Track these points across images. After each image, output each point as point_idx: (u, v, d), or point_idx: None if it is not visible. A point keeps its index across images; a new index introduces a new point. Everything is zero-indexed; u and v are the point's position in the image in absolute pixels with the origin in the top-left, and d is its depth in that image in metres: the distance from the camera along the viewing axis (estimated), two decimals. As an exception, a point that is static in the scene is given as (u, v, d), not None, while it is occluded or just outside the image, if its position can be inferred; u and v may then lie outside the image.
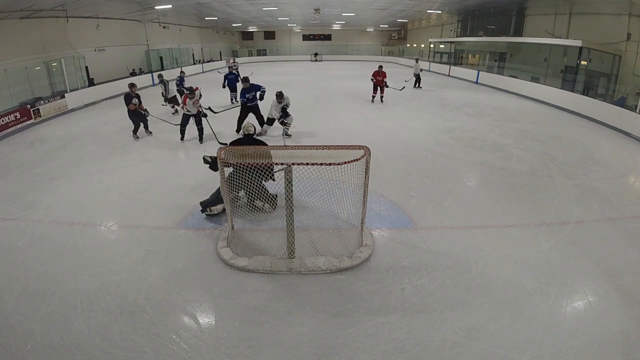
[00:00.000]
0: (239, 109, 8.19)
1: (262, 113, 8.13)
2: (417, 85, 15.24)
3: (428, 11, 21.69)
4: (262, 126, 8.09)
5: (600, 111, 9.89)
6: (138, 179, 5.76)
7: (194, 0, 16.90)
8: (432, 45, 25.97)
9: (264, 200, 4.33)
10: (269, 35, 35.34)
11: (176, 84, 10.85)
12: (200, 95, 7.64)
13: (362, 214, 3.97)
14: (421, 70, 15.57)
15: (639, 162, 6.83)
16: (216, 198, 4.43)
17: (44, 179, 5.86)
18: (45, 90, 12.12)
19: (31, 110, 9.64)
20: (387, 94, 11.93)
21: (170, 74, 13.92)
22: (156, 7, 16.53)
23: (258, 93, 7.97)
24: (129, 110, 7.64)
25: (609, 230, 4.32)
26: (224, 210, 4.43)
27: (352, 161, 3.27)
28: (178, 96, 10.32)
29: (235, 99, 11.22)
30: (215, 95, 11.55)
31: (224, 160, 3.49)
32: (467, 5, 18.41)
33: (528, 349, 2.64)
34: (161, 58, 19.71)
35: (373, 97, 11.98)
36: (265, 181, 3.92)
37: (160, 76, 10.66)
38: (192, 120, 7.51)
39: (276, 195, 4.54)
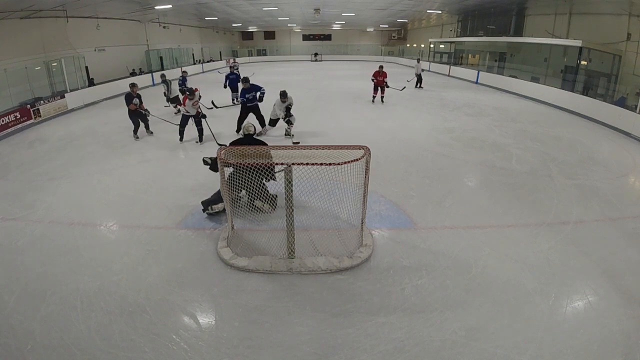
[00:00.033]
0: (239, 108, 8.19)
1: (262, 113, 8.13)
2: (418, 86, 15.25)
3: (428, 11, 21.70)
4: (262, 126, 8.08)
5: (600, 111, 9.89)
6: (138, 179, 5.76)
7: (194, 0, 16.91)
8: (432, 45, 25.97)
9: (263, 200, 4.33)
10: (269, 35, 35.34)
11: (179, 84, 10.93)
12: (200, 96, 7.65)
13: (362, 214, 3.97)
14: (422, 70, 15.58)
15: (639, 162, 6.83)
16: (218, 197, 4.43)
17: (44, 179, 5.87)
18: (45, 90, 12.13)
19: (31, 110, 9.64)
20: (387, 94, 11.92)
21: (171, 74, 13.90)
22: (156, 7, 16.53)
23: (258, 94, 7.97)
24: (129, 110, 7.65)
25: (609, 230, 4.32)
26: (224, 209, 4.43)
27: (352, 161, 3.27)
28: (181, 96, 10.34)
29: (237, 99, 11.25)
30: (215, 96, 11.52)
31: (224, 160, 3.49)
32: (467, 5, 18.41)
33: (528, 349, 2.64)
34: (161, 58, 19.72)
35: (374, 97, 11.94)
36: (266, 181, 3.93)
37: (162, 76, 10.74)
38: (191, 121, 7.51)
39: (276, 196, 4.54)
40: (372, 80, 11.67)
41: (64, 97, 11.15)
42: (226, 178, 3.71)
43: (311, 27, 33.48)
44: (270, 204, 4.47)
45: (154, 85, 16.59)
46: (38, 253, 3.82)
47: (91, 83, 13.74)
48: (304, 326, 2.87)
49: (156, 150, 7.21)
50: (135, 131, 7.91)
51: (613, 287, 3.29)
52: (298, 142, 7.43)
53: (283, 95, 7.45)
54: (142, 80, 15.55)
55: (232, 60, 23.04)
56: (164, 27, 21.05)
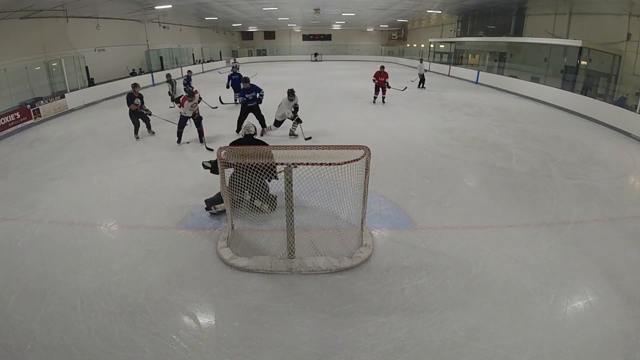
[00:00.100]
0: (239, 108, 8.19)
1: (262, 114, 8.11)
2: (421, 86, 15.23)
3: (428, 11, 21.70)
4: (262, 126, 8.08)
5: (600, 111, 9.89)
6: (138, 179, 5.76)
7: (194, 0, 16.91)
8: (432, 45, 25.97)
9: (263, 200, 4.33)
10: (269, 35, 35.34)
11: (184, 84, 10.99)
12: (200, 98, 7.65)
13: (362, 214, 3.97)
14: (425, 70, 15.57)
15: (639, 162, 6.83)
16: (221, 197, 4.43)
17: (44, 179, 5.86)
18: (45, 90, 12.13)
19: (31, 110, 9.64)
20: (387, 95, 11.90)
21: (171, 74, 13.91)
22: (156, 7, 16.54)
23: (258, 94, 7.96)
24: (130, 110, 7.64)
25: (609, 230, 4.32)
26: (227, 208, 4.44)
27: (352, 161, 3.27)
28: None
29: (239, 99, 11.26)
30: (216, 96, 11.54)
31: (224, 161, 3.49)
32: (467, 5, 18.41)
33: (528, 349, 2.64)
34: (161, 58, 19.73)
35: (375, 97, 11.85)
36: (268, 181, 3.92)
37: (168, 76, 10.82)
38: (191, 122, 7.49)
39: (276, 197, 4.54)
40: (374, 80, 11.56)
41: (64, 97, 11.15)
42: (227, 179, 3.70)
43: (311, 27, 33.48)
44: (269, 205, 4.47)
45: (154, 85, 16.60)
46: (38, 253, 3.82)
47: (91, 83, 13.75)
48: (304, 326, 2.87)
49: (156, 151, 7.21)
50: (135, 131, 7.90)
51: (613, 287, 3.29)
52: (310, 137, 7.64)
53: (291, 93, 7.43)
54: (142, 80, 15.50)
55: (232, 61, 23.03)
56: (164, 27, 21.05)
